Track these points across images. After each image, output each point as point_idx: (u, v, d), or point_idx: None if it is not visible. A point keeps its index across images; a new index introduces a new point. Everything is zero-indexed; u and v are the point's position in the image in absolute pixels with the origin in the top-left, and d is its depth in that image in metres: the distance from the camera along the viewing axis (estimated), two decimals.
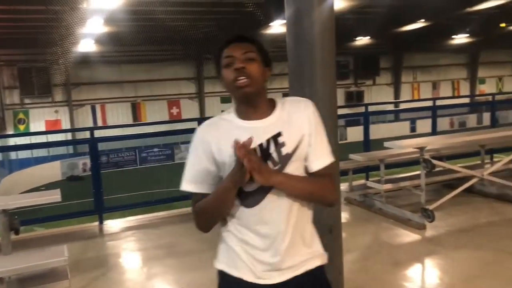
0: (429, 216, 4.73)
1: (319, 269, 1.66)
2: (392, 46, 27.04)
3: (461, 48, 28.26)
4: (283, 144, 1.54)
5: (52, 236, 5.28)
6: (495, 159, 7.12)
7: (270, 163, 1.54)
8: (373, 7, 17.87)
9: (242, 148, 1.43)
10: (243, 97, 1.56)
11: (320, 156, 1.60)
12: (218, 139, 1.57)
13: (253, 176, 1.45)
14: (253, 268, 1.57)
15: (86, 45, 19.28)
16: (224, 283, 1.66)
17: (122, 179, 17.60)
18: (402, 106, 21.53)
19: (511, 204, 5.37)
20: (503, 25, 21.38)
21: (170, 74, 24.89)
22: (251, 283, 1.58)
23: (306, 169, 1.60)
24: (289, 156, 1.55)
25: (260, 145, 1.53)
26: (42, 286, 2.80)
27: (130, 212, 6.07)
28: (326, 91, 2.67)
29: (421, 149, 4.76)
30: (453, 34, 25.77)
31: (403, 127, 23.81)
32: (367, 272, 3.77)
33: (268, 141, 1.54)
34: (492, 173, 5.40)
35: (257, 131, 1.54)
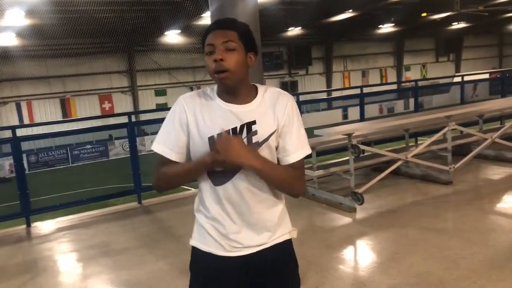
0: (359, 199, 4.93)
1: (288, 243, 1.75)
2: (323, 36, 27.73)
3: (387, 37, 29.56)
4: (255, 133, 1.60)
5: None
6: (419, 142, 7.54)
7: None
8: None
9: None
10: (223, 87, 1.62)
11: (296, 150, 1.66)
12: (195, 112, 1.62)
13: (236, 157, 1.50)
14: (221, 242, 1.65)
15: (6, 39, 18.13)
16: (195, 258, 1.74)
17: (53, 178, 16.84)
18: (334, 94, 22.19)
19: (434, 184, 5.71)
20: (424, 14, 22.49)
21: (100, 67, 24.00)
22: (219, 256, 1.66)
23: (278, 160, 1.67)
24: (258, 145, 1.61)
25: (234, 129, 1.59)
26: None
27: (63, 212, 5.82)
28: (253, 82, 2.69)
29: (349, 135, 4.93)
30: (380, 24, 26.85)
31: (335, 115, 24.53)
32: (302, 257, 3.84)
33: (242, 126, 1.59)
34: (416, 155, 5.70)
35: (233, 114, 1.60)
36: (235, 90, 1.62)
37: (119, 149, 22.24)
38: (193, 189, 6.29)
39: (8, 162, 18.90)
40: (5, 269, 4.02)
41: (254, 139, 1.60)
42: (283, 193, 1.72)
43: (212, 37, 1.57)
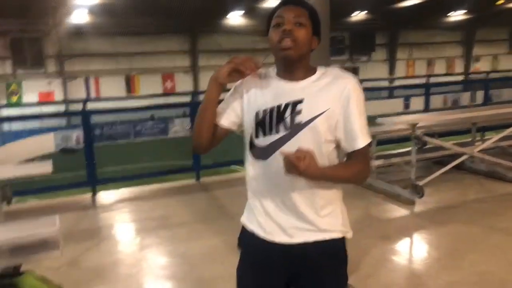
0: (419, 192, 4.80)
1: (337, 241, 1.64)
2: (388, 22, 26.80)
3: (457, 25, 28.11)
4: (299, 112, 1.54)
5: (45, 207, 5.31)
6: (486, 137, 7.18)
7: (281, 126, 1.56)
8: None
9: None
10: (283, 60, 1.58)
11: (356, 137, 1.56)
12: (251, 87, 1.65)
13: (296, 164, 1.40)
14: (263, 224, 1.64)
15: (79, 16, 18.96)
16: (242, 234, 1.76)
17: (116, 152, 17.59)
18: (397, 83, 21.49)
19: (500, 181, 5.45)
20: (499, 2, 21.18)
21: (164, 46, 24.58)
22: (260, 238, 1.65)
23: (332, 146, 1.59)
24: (301, 126, 1.54)
25: (279, 106, 1.56)
26: (34, 255, 2.83)
27: (123, 184, 6.09)
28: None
29: (413, 125, 4.79)
30: (450, 11, 25.56)
31: (396, 104, 23.77)
32: (356, 246, 3.80)
33: (287, 104, 1.56)
34: (482, 151, 5.46)
35: (282, 91, 1.59)
36: (293, 67, 1.58)
37: (178, 128, 22.79)
38: (241, 168, 6.38)
39: (75, 133, 19.94)
40: (72, 233, 4.27)
41: (297, 119, 1.53)
42: None
43: (284, 10, 1.56)
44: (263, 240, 1.64)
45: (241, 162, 6.49)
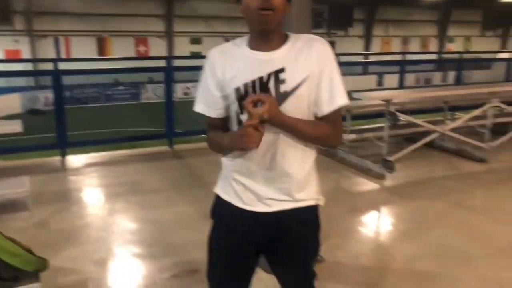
0: (390, 167, 4.90)
1: (311, 208, 1.68)
2: None
3: (433, 4, 28.29)
4: (283, 81, 1.52)
5: (14, 168, 5.18)
6: (456, 117, 7.34)
7: None
8: None
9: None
10: (262, 27, 1.52)
11: (330, 98, 1.56)
12: (224, 65, 1.58)
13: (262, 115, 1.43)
14: (241, 195, 1.63)
15: None
16: (216, 205, 1.75)
17: (86, 115, 17.22)
18: (372, 59, 21.61)
19: (468, 160, 5.60)
20: None
21: (139, 9, 23.91)
22: (238, 207, 1.64)
23: (312, 110, 1.58)
24: (286, 94, 1.52)
25: (261, 78, 1.52)
26: (2, 215, 2.76)
27: (94, 149, 5.98)
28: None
29: (388, 101, 4.84)
30: None
31: (370, 80, 24.01)
32: (326, 217, 3.86)
33: (269, 74, 1.52)
34: (453, 129, 5.58)
35: (261, 63, 1.53)
36: (269, 34, 1.53)
37: (150, 94, 22.46)
38: None
39: (43, 95, 19.36)
40: (42, 195, 4.19)
41: (282, 88, 1.51)
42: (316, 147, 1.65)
43: None
44: (240, 209, 1.64)
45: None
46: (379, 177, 4.91)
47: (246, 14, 1.52)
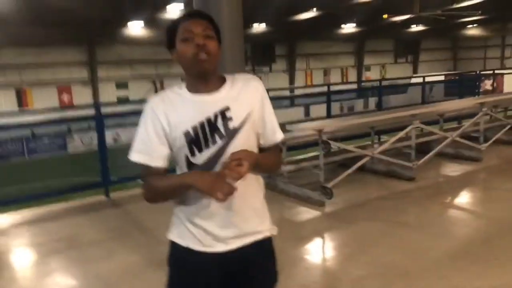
0: (328, 193, 5.06)
1: (268, 240, 1.75)
2: (287, 34, 27.96)
3: (349, 37, 30.13)
4: (230, 119, 1.60)
5: None
6: (382, 140, 7.76)
7: (216, 136, 1.58)
8: None
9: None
10: (201, 73, 1.59)
11: (274, 132, 1.72)
12: (167, 113, 1.60)
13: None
14: (201, 238, 1.64)
15: None
16: (174, 251, 1.73)
17: (9, 171, 16.25)
18: (297, 92, 22.42)
19: (398, 179, 5.92)
20: (385, 16, 23.09)
21: (59, 58, 23.26)
22: (198, 251, 1.65)
23: (257, 142, 1.69)
24: (235, 130, 1.60)
25: (208, 119, 1.58)
26: None
27: (22, 206, 5.64)
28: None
29: (320, 131, 5.05)
30: (342, 23, 27.34)
31: (297, 112, 24.79)
32: None
33: (215, 115, 1.59)
34: (381, 152, 5.90)
35: (206, 105, 1.60)
36: (208, 77, 1.61)
37: (78, 143, 21.67)
38: None
39: None
40: None
41: (231, 125, 1.60)
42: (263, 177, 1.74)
43: (192, 24, 1.58)
44: (200, 252, 1.65)
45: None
46: (319, 204, 5.05)
47: (182, 60, 1.60)
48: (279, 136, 1.73)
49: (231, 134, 1.60)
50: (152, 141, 1.61)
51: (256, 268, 1.72)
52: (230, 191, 1.48)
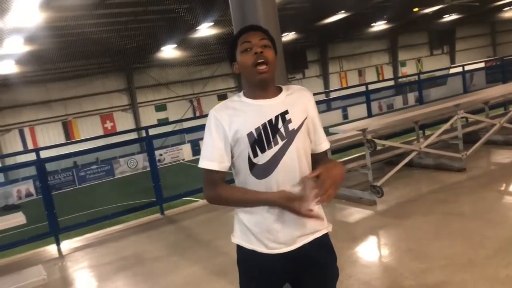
0: (378, 191, 5.07)
1: (326, 237, 1.85)
2: (317, 39, 27.97)
3: (381, 34, 29.78)
4: (290, 121, 1.72)
5: (10, 264, 5.08)
6: (427, 134, 7.68)
7: (278, 137, 1.70)
8: (294, 2, 18.42)
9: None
10: (261, 82, 1.72)
11: (324, 140, 1.86)
12: (230, 118, 1.72)
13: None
14: (264, 241, 1.74)
15: (6, 66, 18.31)
16: (241, 254, 1.83)
17: (63, 201, 16.95)
18: (333, 95, 22.31)
19: (447, 171, 5.84)
20: (415, 9, 22.74)
21: (99, 88, 24.25)
22: (263, 253, 1.75)
23: (311, 147, 1.81)
24: (295, 132, 1.72)
25: (270, 121, 1.70)
26: None
27: (86, 230, 5.93)
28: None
29: (363, 130, 5.08)
30: (372, 22, 27.08)
31: (336, 116, 24.66)
32: None
33: (276, 117, 1.71)
34: (428, 146, 5.85)
35: (266, 108, 1.72)
36: (267, 85, 1.73)
37: (124, 167, 22.37)
38: (198, 199, 6.60)
39: (15, 188, 19.02)
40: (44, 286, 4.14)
41: (290, 127, 1.71)
42: None
43: (248, 35, 1.73)
44: (265, 254, 1.75)
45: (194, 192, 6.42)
46: (370, 203, 5.07)
47: (243, 70, 1.74)
48: (327, 144, 1.86)
49: (291, 135, 1.71)
50: (218, 147, 1.73)
51: (318, 263, 1.82)
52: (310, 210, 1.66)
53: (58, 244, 5.40)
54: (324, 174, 1.61)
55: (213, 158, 1.74)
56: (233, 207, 1.84)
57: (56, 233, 5.41)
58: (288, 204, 1.66)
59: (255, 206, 1.72)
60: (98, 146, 6.43)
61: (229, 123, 1.71)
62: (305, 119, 1.75)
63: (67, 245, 5.45)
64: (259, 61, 1.67)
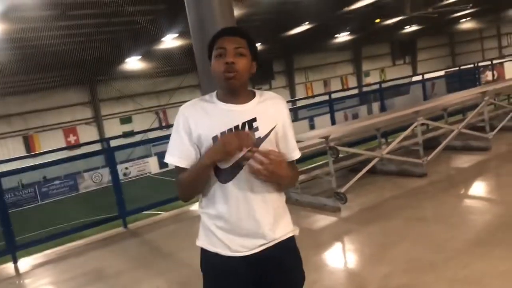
0: (342, 198, 5.11)
1: (292, 239, 1.83)
2: (283, 50, 28.24)
3: (345, 45, 30.34)
4: (256, 129, 1.71)
5: None
6: (389, 141, 7.82)
7: None
8: (259, 14, 18.57)
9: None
10: (229, 88, 1.71)
11: (294, 148, 1.84)
12: (197, 117, 1.71)
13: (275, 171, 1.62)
14: (228, 243, 1.72)
15: None
16: (204, 258, 1.81)
17: (25, 218, 16.38)
18: (300, 104, 22.51)
19: (409, 177, 5.95)
20: (377, 20, 23.29)
21: (61, 101, 23.62)
22: (227, 256, 1.73)
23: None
24: (260, 140, 1.71)
25: (236, 127, 1.69)
26: None
27: (47, 246, 5.72)
28: None
29: (326, 138, 5.13)
30: (336, 33, 27.59)
31: (302, 125, 24.83)
32: None
33: (244, 124, 1.70)
34: (390, 152, 5.95)
35: (235, 114, 1.71)
36: (237, 92, 1.73)
37: (88, 182, 21.87)
38: (162, 212, 6.58)
39: None
40: None
41: (256, 134, 1.70)
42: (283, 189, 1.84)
43: (224, 41, 1.70)
44: (228, 257, 1.73)
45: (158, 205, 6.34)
46: (334, 210, 5.10)
47: (214, 75, 1.73)
48: (297, 153, 1.84)
49: (257, 143, 1.70)
50: (184, 144, 1.72)
51: (283, 266, 1.80)
52: (240, 148, 1.62)
53: (15, 262, 5.18)
54: (274, 154, 1.63)
55: (176, 154, 1.73)
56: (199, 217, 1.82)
57: (13, 251, 5.18)
58: (226, 148, 1.62)
59: (204, 176, 1.70)
60: (57, 159, 6.22)
61: (196, 123, 1.71)
62: (273, 128, 1.74)
63: (25, 262, 5.23)
64: (228, 72, 1.67)
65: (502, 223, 4.13)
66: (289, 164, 1.77)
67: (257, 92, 1.80)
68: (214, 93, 1.79)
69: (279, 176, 1.66)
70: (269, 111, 1.76)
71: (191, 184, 1.72)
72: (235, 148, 1.61)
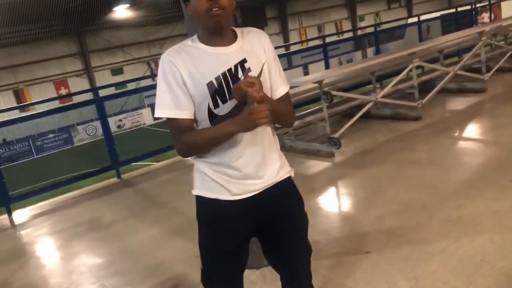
0: (336, 143, 5.07)
1: (289, 180, 1.80)
2: None
3: None
4: (249, 70, 1.62)
5: None
6: (384, 84, 7.71)
7: None
8: None
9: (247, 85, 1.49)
10: (216, 26, 1.58)
11: (281, 84, 1.73)
12: (186, 64, 1.58)
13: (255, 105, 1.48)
14: (228, 187, 1.67)
15: None
16: (201, 206, 1.74)
17: (21, 172, 16.41)
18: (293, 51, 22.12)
19: (404, 121, 5.90)
20: None
21: (51, 53, 23.07)
22: (226, 200, 1.68)
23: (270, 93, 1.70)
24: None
25: (229, 70, 1.59)
26: None
27: (42, 197, 5.72)
28: None
29: (320, 82, 5.02)
30: None
31: (297, 73, 24.54)
32: None
33: (235, 66, 1.61)
34: (384, 96, 5.86)
35: (225, 56, 1.61)
36: (223, 31, 1.61)
37: (83, 135, 21.77)
38: (155, 163, 6.58)
39: None
40: None
41: (251, 75, 1.61)
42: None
43: None
44: (229, 201, 1.68)
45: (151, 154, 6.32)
46: (328, 155, 5.07)
47: (196, 15, 1.59)
48: (284, 88, 1.74)
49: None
50: (177, 93, 1.59)
51: (286, 206, 1.78)
52: (265, 108, 1.48)
53: (10, 215, 5.18)
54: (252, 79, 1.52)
55: (170, 105, 1.59)
56: (193, 163, 1.74)
57: (7, 203, 5.17)
58: (244, 127, 1.53)
59: (221, 142, 1.60)
60: (48, 110, 6.11)
61: (186, 69, 1.58)
62: (263, 65, 1.66)
63: (19, 214, 5.24)
64: (214, 8, 1.53)
65: (496, 164, 4.12)
66: (284, 98, 1.72)
67: (237, 30, 1.68)
68: (195, 37, 1.65)
69: (279, 113, 1.63)
70: (255, 48, 1.67)
71: (208, 146, 1.63)
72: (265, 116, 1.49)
